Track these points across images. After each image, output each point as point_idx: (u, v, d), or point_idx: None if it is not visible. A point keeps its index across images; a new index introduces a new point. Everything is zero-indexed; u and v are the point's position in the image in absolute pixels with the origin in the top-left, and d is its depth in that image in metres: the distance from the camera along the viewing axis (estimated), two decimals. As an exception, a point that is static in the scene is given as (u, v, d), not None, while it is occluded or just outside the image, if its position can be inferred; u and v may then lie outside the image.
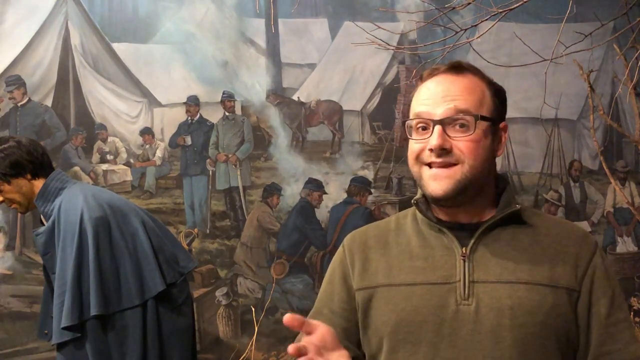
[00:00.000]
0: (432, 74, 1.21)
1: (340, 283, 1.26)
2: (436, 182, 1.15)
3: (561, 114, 4.45)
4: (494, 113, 1.20)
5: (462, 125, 1.15)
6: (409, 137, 1.20)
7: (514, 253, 1.16)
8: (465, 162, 1.14)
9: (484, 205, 1.21)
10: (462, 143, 1.15)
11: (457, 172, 1.14)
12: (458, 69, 1.20)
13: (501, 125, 1.22)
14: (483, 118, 1.17)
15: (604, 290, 1.16)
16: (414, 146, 1.19)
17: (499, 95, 1.22)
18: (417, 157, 1.18)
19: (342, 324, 1.24)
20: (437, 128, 1.15)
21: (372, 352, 1.22)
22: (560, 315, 1.13)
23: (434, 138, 1.14)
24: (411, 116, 1.21)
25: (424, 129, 1.17)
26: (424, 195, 1.23)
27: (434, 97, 1.17)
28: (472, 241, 1.17)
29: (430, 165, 1.16)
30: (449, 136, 1.15)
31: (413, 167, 1.20)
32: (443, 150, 1.14)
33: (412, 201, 1.24)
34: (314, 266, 4.16)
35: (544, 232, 1.20)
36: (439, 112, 1.16)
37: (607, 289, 1.17)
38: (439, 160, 1.15)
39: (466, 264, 1.16)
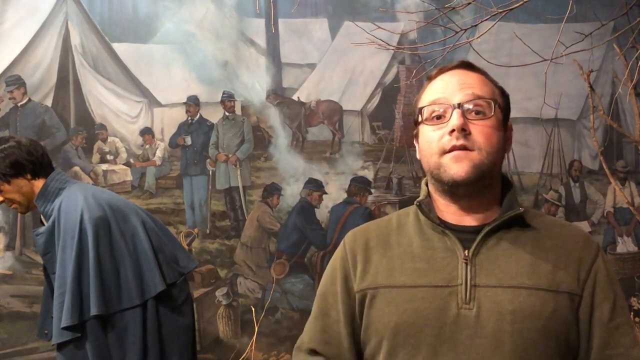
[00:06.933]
0: (443, 71, 1.23)
1: (342, 284, 1.26)
2: (457, 164, 1.13)
3: (561, 114, 4.44)
4: (504, 109, 1.22)
5: (478, 113, 1.16)
6: (424, 123, 1.19)
7: (516, 257, 1.15)
8: (483, 148, 1.14)
9: (489, 204, 1.20)
10: (479, 128, 1.15)
11: (475, 157, 1.14)
12: (470, 66, 1.23)
13: (508, 124, 1.24)
14: (498, 106, 1.18)
15: (606, 294, 1.16)
16: (432, 134, 1.17)
17: (504, 96, 1.24)
18: (437, 144, 1.16)
19: (348, 326, 1.24)
20: (457, 111, 1.15)
21: (371, 353, 1.22)
22: (561, 319, 1.12)
23: (455, 118, 1.14)
24: (421, 107, 1.21)
25: (439, 117, 1.17)
26: (427, 196, 1.23)
27: (450, 86, 1.19)
28: (475, 244, 1.16)
29: (449, 151, 1.15)
30: (467, 120, 1.15)
31: (431, 158, 1.17)
32: (463, 132, 1.13)
33: (415, 203, 1.23)
34: (314, 266, 4.16)
35: (546, 235, 1.19)
36: (457, 98, 1.16)
37: (609, 293, 1.16)
38: (459, 143, 1.13)
39: (468, 267, 1.15)
